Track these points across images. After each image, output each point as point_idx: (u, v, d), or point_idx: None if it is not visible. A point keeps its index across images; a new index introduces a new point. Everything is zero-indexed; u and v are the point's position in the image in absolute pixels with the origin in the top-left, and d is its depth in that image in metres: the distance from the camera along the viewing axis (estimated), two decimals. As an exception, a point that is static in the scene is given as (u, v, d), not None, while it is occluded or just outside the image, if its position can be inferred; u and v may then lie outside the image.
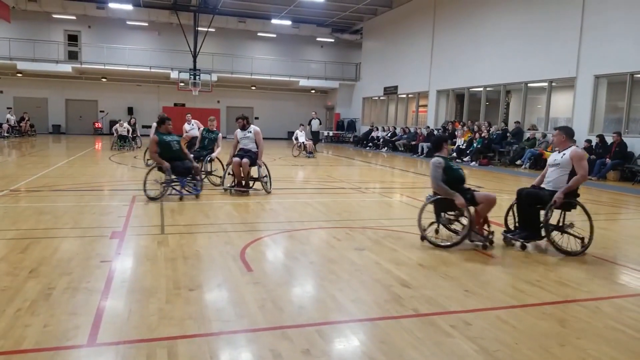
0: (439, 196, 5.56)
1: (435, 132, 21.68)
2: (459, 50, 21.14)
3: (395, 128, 25.68)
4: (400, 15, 26.25)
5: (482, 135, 17.85)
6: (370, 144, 26.03)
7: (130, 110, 30.05)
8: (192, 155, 8.79)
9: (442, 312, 3.58)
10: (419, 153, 20.97)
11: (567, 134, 5.77)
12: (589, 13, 15.00)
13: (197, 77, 27.69)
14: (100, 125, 29.77)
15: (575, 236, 5.45)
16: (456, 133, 19.69)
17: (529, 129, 17.61)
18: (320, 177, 12.77)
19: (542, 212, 5.47)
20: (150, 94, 30.78)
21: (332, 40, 33.23)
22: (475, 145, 17.87)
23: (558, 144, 5.79)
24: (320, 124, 22.81)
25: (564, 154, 5.60)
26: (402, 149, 23.21)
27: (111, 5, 26.24)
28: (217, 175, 9.74)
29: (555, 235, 5.50)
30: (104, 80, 29.81)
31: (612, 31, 14.27)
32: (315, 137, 22.58)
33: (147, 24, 29.75)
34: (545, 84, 17.05)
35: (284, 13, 28.01)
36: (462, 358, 2.91)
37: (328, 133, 32.09)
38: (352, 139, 30.32)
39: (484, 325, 3.38)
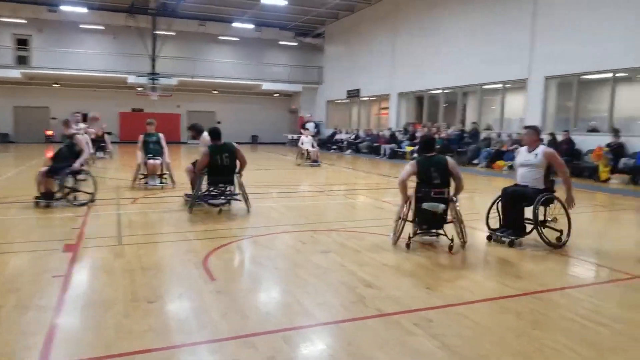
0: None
1: (397, 133, 22.00)
2: (419, 54, 21.53)
3: (358, 130, 25.92)
4: (361, 19, 26.54)
5: (441, 136, 18.23)
6: (334, 147, 26.17)
7: (84, 117, 29.12)
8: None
9: (405, 311, 3.63)
10: (382, 155, 21.22)
11: (538, 132, 5.99)
12: (539, 18, 15.57)
13: (156, 81, 27.16)
14: (51, 133, 28.72)
15: (554, 229, 5.69)
16: (417, 134, 20.02)
17: (485, 130, 18.10)
18: (285, 180, 12.75)
19: (525, 209, 5.71)
20: (107, 99, 29.93)
21: (295, 43, 33.24)
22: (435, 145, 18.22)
23: (529, 143, 5.93)
24: (316, 127, 20.18)
25: (537, 154, 5.77)
26: (366, 151, 23.43)
27: (63, 8, 25.37)
28: (164, 180, 9.95)
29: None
30: (56, 85, 28.81)
31: (561, 35, 14.85)
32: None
33: (102, 28, 28.94)
34: (500, 85, 17.58)
35: (245, 16, 27.82)
36: (426, 356, 2.96)
37: (292, 137, 32.05)
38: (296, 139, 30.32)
39: (446, 322, 3.46)
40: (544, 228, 5.70)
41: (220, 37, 31.40)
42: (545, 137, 14.70)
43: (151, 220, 7.00)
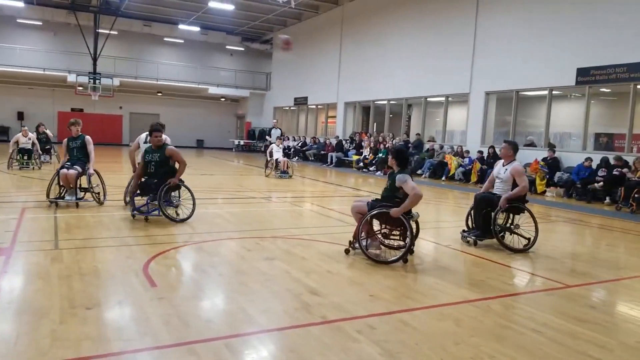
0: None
1: (344, 142, 22.28)
2: (365, 65, 21.97)
3: (305, 138, 26.04)
4: (309, 28, 26.78)
5: (387, 146, 18.63)
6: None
7: (20, 115, 27.67)
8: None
9: (348, 318, 3.68)
10: (329, 163, 21.41)
11: (514, 148, 6.44)
12: (480, 35, 16.32)
13: (98, 81, 26.18)
14: (-17, 132, 27.13)
15: (522, 236, 6.19)
16: (363, 144, 20.38)
17: (428, 141, 18.69)
18: (230, 186, 12.60)
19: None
20: (44, 97, 28.56)
21: (242, 48, 33.04)
22: (380, 155, 18.60)
23: (504, 157, 6.44)
24: (282, 135, 18.65)
25: (506, 169, 6.28)
26: (313, 158, 23.56)
27: (-1, 0, 24.03)
28: (94, 192, 8.20)
29: (502, 234, 6.28)
30: (-10, 81, 27.22)
31: (500, 52, 15.63)
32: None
33: (40, 23, 27.63)
34: (443, 99, 18.22)
35: (192, 19, 27.39)
36: (368, 362, 3.01)
37: (239, 142, 31.77)
38: (263, 148, 30.23)
39: (388, 329, 3.53)
40: (511, 234, 6.25)
41: (166, 39, 30.76)
42: (484, 149, 15.38)
43: (90, 223, 6.72)
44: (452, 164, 15.92)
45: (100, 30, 26.32)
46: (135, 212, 7.06)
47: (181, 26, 28.26)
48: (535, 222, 6.29)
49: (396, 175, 5.43)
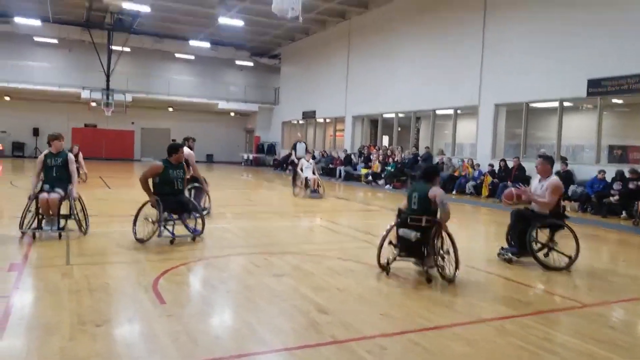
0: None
1: (353, 155, 22.26)
2: (373, 78, 22.02)
3: (314, 151, 26.05)
4: (316, 42, 26.97)
5: (395, 159, 18.59)
6: (290, 168, 26.14)
7: (35, 131, 28.09)
8: None
9: (358, 338, 3.62)
10: (337, 176, 21.39)
11: (550, 162, 6.33)
12: (488, 46, 16.30)
13: (110, 97, 26.52)
14: (1, 147, 27.52)
15: (562, 254, 6.01)
16: (371, 157, 20.35)
17: (438, 154, 18.60)
18: (240, 201, 12.62)
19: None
20: (59, 114, 28.97)
21: (251, 63, 33.34)
22: (389, 169, 18.56)
23: (542, 173, 6.25)
24: (308, 151, 17.01)
25: (543, 185, 6.14)
26: (321, 172, 23.53)
27: (17, 20, 24.53)
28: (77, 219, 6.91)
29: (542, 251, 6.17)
30: (7, 98, 27.68)
31: (508, 64, 15.57)
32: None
33: (56, 41, 28.15)
34: (451, 111, 18.18)
35: (202, 35, 27.73)
36: (378, 382, 2.96)
37: (248, 156, 31.91)
38: (272, 162, 30.35)
39: (398, 349, 3.47)
40: (549, 250, 6.09)
41: (177, 55, 31.14)
42: (495, 163, 15.26)
43: (101, 240, 6.75)
44: (466, 169, 16.01)
45: (113, 47, 26.74)
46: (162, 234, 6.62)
47: (192, 42, 28.62)
48: (576, 239, 6.01)
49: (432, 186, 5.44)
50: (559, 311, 4.61)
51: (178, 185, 6.88)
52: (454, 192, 15.93)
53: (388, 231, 5.46)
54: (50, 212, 6.61)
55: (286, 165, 26.55)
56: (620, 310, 4.82)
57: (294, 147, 17.42)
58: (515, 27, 15.42)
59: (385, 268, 5.39)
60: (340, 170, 21.42)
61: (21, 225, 6.57)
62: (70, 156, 7.10)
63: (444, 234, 5.25)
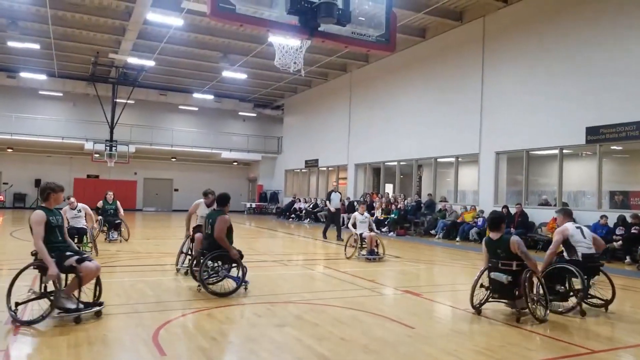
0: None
1: (356, 203, 22.23)
2: (374, 127, 22.35)
3: (316, 199, 26.13)
4: (318, 93, 27.61)
5: (398, 206, 18.58)
6: (292, 216, 26.17)
7: (37, 182, 28.27)
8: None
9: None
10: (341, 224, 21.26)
11: (565, 214, 6.61)
12: (487, 95, 16.61)
13: (114, 148, 26.85)
14: (2, 198, 27.65)
15: (599, 298, 6.22)
16: (374, 204, 20.34)
17: (440, 201, 18.62)
18: (241, 249, 12.50)
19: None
20: (62, 165, 29.27)
21: (254, 114, 33.97)
22: (392, 216, 18.51)
23: (560, 224, 6.56)
24: (342, 200, 15.66)
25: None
26: (324, 220, 23.45)
27: (23, 74, 25.28)
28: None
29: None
30: (9, 150, 28.06)
31: (508, 112, 15.82)
32: (335, 219, 15.89)
33: (61, 94, 28.85)
34: (453, 159, 18.33)
35: (206, 87, 28.43)
36: None
37: (250, 205, 31.96)
38: (274, 210, 30.33)
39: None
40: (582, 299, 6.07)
41: (181, 107, 31.79)
42: (498, 209, 15.21)
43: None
44: (467, 217, 15.95)
45: (117, 100, 27.33)
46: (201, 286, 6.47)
47: (195, 95, 29.34)
48: (611, 283, 6.23)
49: (510, 237, 5.80)
50: (566, 357, 4.52)
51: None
52: (457, 238, 15.82)
53: (480, 275, 5.85)
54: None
55: (289, 213, 26.59)
56: (630, 356, 4.72)
57: (329, 197, 15.84)
58: (513, 76, 15.79)
59: (477, 309, 5.78)
60: (343, 218, 21.33)
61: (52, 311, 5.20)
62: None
63: (534, 278, 5.72)
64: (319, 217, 23.92)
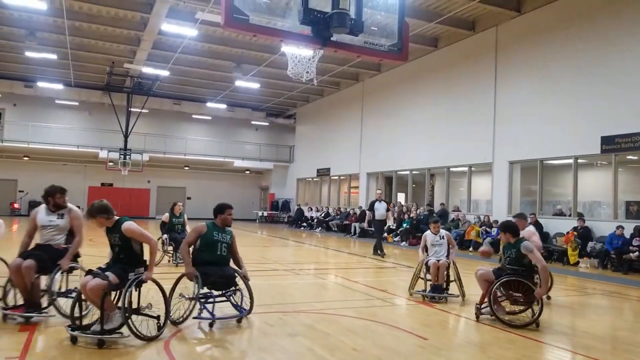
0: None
1: (368, 212, 22.16)
2: (386, 136, 22.34)
3: (328, 208, 26.12)
4: (331, 103, 27.71)
5: (411, 215, 18.48)
6: (304, 224, 26.16)
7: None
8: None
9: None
10: (352, 233, 21.25)
11: (521, 219, 7.27)
12: (500, 104, 16.52)
13: (128, 157, 27.14)
14: (18, 206, 28.04)
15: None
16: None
17: (453, 210, 18.47)
18: (253, 258, 12.53)
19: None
20: (76, 173, 29.64)
21: (267, 123, 34.17)
22: (404, 225, 18.42)
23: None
24: (389, 210, 14.41)
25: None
26: (336, 229, 23.47)
27: (40, 84, 25.76)
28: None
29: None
30: (25, 159, 28.51)
31: (521, 121, 15.68)
32: (379, 229, 14.27)
33: (77, 104, 29.31)
34: (466, 168, 18.21)
35: (219, 97, 28.68)
36: None
37: (262, 213, 32.03)
38: (286, 219, 30.37)
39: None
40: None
41: (194, 116, 32.10)
42: (513, 220, 15.04)
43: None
44: (471, 233, 15.70)
45: (132, 109, 27.67)
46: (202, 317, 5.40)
47: (209, 104, 29.64)
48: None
49: (520, 244, 5.90)
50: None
51: (222, 251, 5.70)
52: (470, 248, 15.68)
53: (495, 283, 5.91)
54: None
55: (300, 222, 26.58)
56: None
57: (372, 207, 13.81)
58: (526, 85, 15.68)
59: (499, 318, 5.81)
60: (355, 227, 21.32)
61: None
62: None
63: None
64: (330, 225, 23.89)
